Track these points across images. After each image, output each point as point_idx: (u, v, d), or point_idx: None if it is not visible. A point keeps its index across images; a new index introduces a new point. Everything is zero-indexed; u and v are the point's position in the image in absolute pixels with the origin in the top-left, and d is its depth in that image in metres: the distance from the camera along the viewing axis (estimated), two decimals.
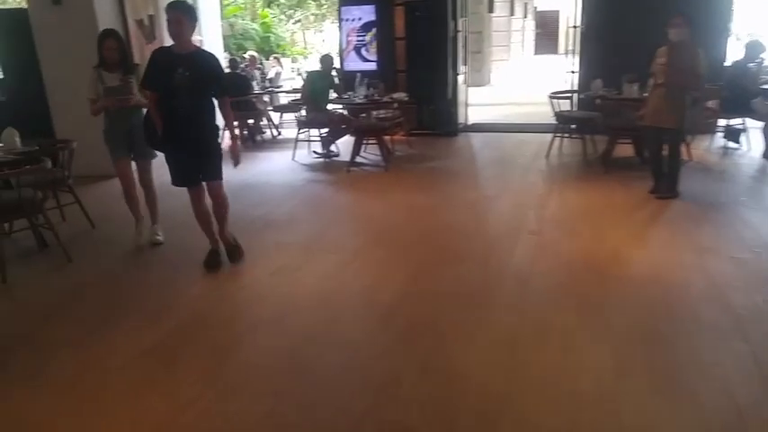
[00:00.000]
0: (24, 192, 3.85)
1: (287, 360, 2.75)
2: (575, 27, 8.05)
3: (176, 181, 3.69)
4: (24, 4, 6.48)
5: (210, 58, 3.51)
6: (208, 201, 3.81)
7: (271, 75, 10.24)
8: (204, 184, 3.71)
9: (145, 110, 3.89)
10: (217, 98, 3.61)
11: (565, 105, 6.88)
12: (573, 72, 8.03)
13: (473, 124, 9.13)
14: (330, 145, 7.30)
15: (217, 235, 3.91)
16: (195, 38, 3.68)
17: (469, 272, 3.71)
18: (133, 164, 4.34)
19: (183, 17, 3.32)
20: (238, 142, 3.55)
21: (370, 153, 7.12)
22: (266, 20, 16.28)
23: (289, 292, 3.48)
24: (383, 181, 6.21)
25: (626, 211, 4.81)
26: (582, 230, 4.35)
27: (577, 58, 7.98)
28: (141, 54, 6.79)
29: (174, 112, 3.47)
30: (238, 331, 3.11)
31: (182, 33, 3.35)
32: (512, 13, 19.89)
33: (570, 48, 8.86)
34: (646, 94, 5.61)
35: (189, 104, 3.44)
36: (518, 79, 16.94)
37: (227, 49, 13.45)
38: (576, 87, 7.75)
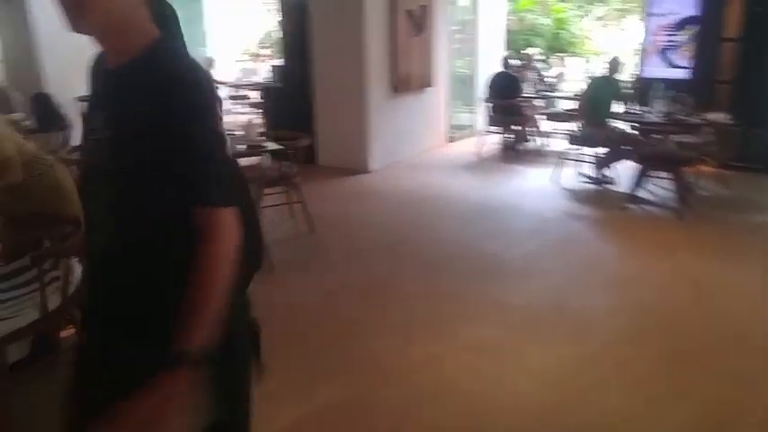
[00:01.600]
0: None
1: None
2: None
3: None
4: None
5: (166, 81, 1.02)
6: None
7: (551, 76, 8.99)
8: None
9: None
10: (190, 205, 1.05)
11: None
12: None
13: None
14: (605, 168, 5.80)
15: None
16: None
17: None
18: None
19: None
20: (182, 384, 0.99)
21: (660, 187, 5.36)
22: (560, 15, 14.85)
23: (468, 405, 2.37)
24: (671, 231, 4.51)
25: None
26: None
27: None
28: (406, 50, 6.33)
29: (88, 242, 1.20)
30: None
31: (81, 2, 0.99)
32: None
33: None
34: None
35: (106, 219, 1.12)
36: None
37: (513, 45, 12.52)
38: None
